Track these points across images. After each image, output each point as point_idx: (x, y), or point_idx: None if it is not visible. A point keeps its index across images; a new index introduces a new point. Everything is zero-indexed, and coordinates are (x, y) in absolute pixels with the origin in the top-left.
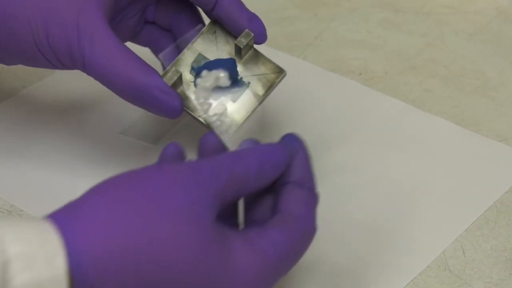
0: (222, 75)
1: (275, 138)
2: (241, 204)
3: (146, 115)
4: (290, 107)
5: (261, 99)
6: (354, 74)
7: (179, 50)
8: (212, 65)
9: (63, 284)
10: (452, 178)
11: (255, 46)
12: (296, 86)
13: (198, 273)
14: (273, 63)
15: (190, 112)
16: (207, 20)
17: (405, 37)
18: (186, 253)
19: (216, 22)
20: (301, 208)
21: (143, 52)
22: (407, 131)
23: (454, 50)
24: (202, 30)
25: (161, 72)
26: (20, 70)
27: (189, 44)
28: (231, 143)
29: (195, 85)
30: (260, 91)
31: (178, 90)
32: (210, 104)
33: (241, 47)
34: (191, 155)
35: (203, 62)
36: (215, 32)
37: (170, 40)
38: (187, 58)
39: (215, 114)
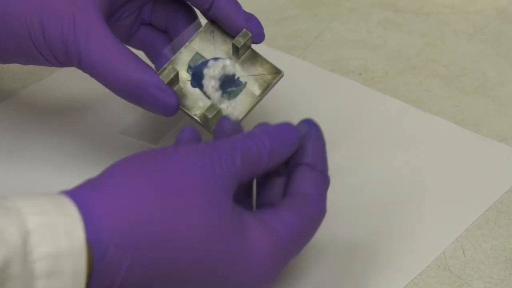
0: (228, 63)
1: None
2: (254, 186)
3: (145, 115)
4: (290, 107)
5: (258, 100)
6: (354, 74)
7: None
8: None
9: (82, 256)
10: (452, 178)
11: (253, 46)
12: (296, 86)
13: (215, 249)
14: (271, 63)
15: (185, 110)
16: (203, 21)
17: (405, 37)
18: (204, 228)
19: (214, 21)
20: (312, 190)
21: (141, 52)
22: (407, 131)
23: (454, 50)
24: (200, 29)
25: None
26: (20, 70)
27: (187, 43)
28: None
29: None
30: (257, 91)
31: (175, 88)
32: (220, 92)
33: (239, 46)
34: None
35: (200, 61)
36: (213, 31)
37: (165, 43)
38: (184, 56)
39: (224, 102)
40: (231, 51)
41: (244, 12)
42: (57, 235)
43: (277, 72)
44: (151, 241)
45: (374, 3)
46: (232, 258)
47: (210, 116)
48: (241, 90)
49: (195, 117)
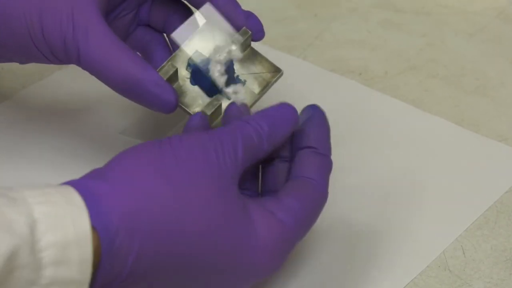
0: (234, 48)
1: None
2: (258, 173)
3: (145, 115)
4: None
5: (257, 98)
6: (354, 74)
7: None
8: (208, 62)
9: (87, 245)
10: (452, 178)
11: (253, 44)
12: (296, 86)
13: (222, 237)
14: (270, 62)
15: (184, 107)
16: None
17: (405, 37)
18: (211, 217)
19: None
20: (315, 174)
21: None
22: (407, 131)
23: (454, 50)
24: (200, 27)
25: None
26: (20, 70)
27: (186, 41)
28: None
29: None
30: (256, 89)
31: (174, 86)
32: (226, 77)
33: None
34: None
35: (199, 59)
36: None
37: (162, 43)
38: (184, 54)
39: (231, 85)
40: None
41: (243, 10)
42: (63, 224)
43: (276, 71)
44: (158, 230)
45: (374, 3)
46: (238, 246)
47: (209, 113)
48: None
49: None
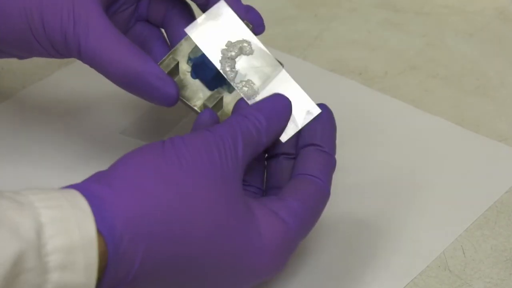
0: (246, 45)
1: None
2: (263, 169)
3: (145, 115)
4: None
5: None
6: (354, 74)
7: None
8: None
9: (93, 249)
10: (452, 178)
11: None
12: None
13: (225, 238)
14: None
15: (185, 101)
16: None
17: (405, 37)
18: (214, 218)
19: None
20: (318, 172)
21: None
22: (407, 131)
23: (454, 50)
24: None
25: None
26: (20, 70)
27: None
28: None
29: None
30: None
31: (175, 79)
32: (236, 72)
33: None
34: None
35: (200, 53)
36: None
37: (160, 39)
38: (185, 48)
39: (241, 81)
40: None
41: (243, 4)
42: (69, 228)
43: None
44: (163, 234)
45: (374, 3)
46: (241, 247)
47: (210, 105)
48: None
49: (195, 108)
